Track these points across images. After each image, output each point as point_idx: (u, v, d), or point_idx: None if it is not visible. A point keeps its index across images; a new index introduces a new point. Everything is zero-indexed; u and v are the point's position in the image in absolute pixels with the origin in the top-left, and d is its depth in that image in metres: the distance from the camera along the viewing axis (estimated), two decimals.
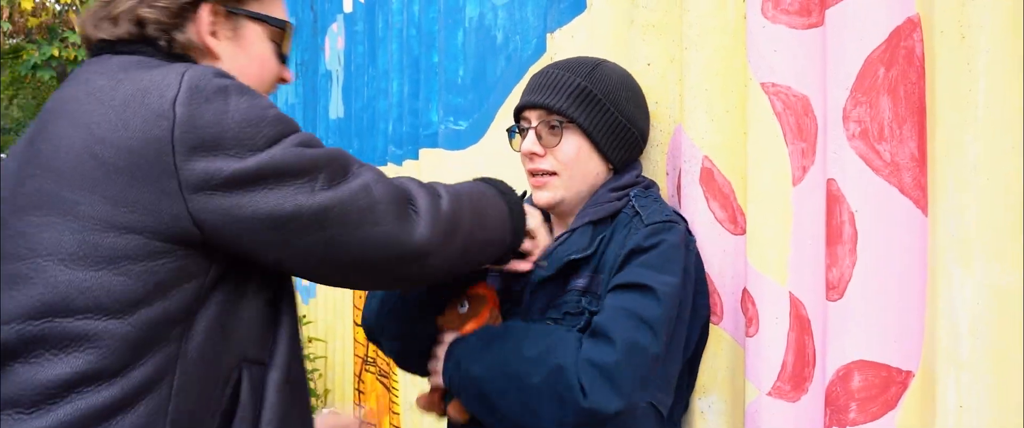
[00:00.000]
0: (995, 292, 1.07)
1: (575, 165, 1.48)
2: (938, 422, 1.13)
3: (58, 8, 6.54)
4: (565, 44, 1.93)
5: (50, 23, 6.75)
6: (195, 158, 1.02)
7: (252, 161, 1.03)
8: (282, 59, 1.29)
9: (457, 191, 1.25)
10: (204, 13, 1.17)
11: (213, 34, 1.19)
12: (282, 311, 1.18)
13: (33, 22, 6.50)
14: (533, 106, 1.48)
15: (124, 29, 1.15)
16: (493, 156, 2.42)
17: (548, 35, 2.00)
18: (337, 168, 1.10)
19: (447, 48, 2.65)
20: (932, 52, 1.13)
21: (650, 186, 1.56)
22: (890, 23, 1.19)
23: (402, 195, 1.15)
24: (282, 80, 1.30)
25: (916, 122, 1.18)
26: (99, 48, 1.17)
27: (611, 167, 1.52)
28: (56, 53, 6.50)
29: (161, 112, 1.01)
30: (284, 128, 1.09)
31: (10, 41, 7.01)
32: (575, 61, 1.54)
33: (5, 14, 6.19)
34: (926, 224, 1.17)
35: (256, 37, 1.24)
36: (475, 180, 1.40)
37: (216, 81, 1.05)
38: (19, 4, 6.21)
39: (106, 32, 1.15)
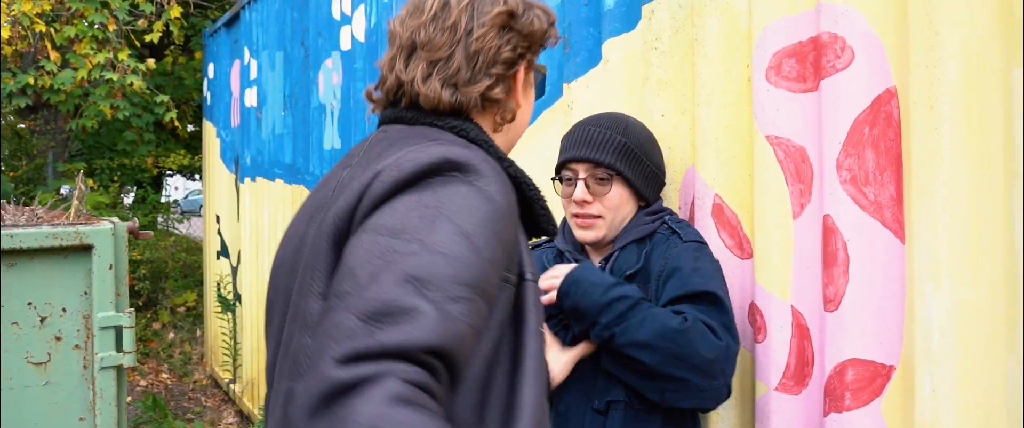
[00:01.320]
0: (959, 304, 1.40)
1: (618, 208, 1.76)
2: (916, 406, 1.44)
3: (34, 36, 6.63)
4: (581, 94, 2.23)
5: (26, 51, 6.83)
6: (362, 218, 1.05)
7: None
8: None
9: None
10: (520, 74, 1.20)
11: (524, 94, 1.23)
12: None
13: (7, 51, 6.57)
14: (582, 160, 1.75)
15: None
16: None
17: (565, 85, 2.30)
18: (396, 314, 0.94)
19: None
20: (907, 117, 1.46)
21: (671, 213, 1.86)
22: (872, 92, 1.51)
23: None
24: None
25: (894, 170, 1.50)
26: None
27: (642, 204, 1.80)
28: (31, 81, 6.58)
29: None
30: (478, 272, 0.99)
31: None
32: (607, 118, 1.81)
33: None
34: (903, 251, 1.49)
35: (531, 88, 1.27)
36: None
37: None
38: None
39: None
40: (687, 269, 1.63)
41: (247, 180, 5.83)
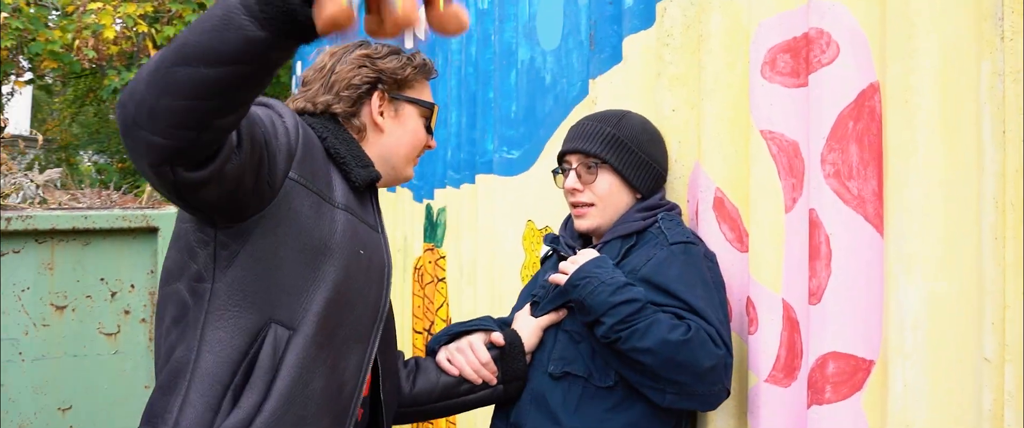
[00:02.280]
0: (931, 297, 1.40)
1: (608, 197, 1.82)
2: (889, 400, 1.45)
3: (137, 37, 7.06)
4: (604, 89, 2.28)
5: (130, 51, 7.29)
6: None
7: None
8: (429, 131, 1.68)
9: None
10: (375, 98, 1.60)
11: (380, 114, 1.61)
12: (317, 284, 1.41)
13: (113, 50, 7.03)
14: (573, 151, 1.84)
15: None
16: (542, 182, 2.78)
17: (590, 81, 2.36)
18: None
19: (501, 86, 3.02)
20: (885, 110, 1.46)
21: (673, 208, 1.89)
22: (858, 86, 1.52)
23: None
24: (428, 147, 1.69)
25: (877, 165, 1.50)
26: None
27: (638, 196, 1.86)
28: None
29: None
30: None
31: (92, 66, 7.56)
32: (605, 114, 1.92)
33: (91, 42, 6.73)
34: (883, 245, 1.50)
35: (410, 116, 1.64)
36: None
37: None
38: (102, 33, 6.76)
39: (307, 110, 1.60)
40: (671, 276, 1.68)
41: None
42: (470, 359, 1.78)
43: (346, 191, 1.51)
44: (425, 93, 1.69)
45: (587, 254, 1.74)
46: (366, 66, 1.60)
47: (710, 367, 1.60)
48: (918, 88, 1.40)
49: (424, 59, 1.68)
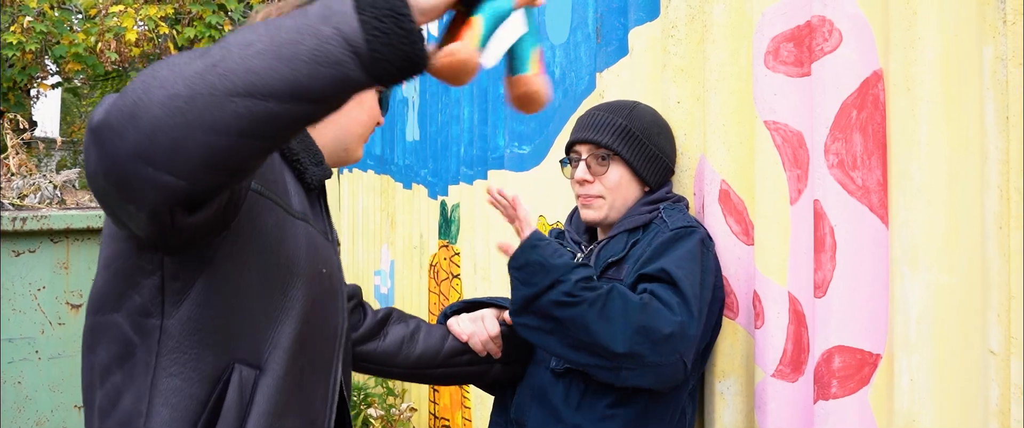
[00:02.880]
0: (936, 289, 1.36)
1: (618, 189, 1.80)
2: (895, 395, 1.42)
3: (159, 39, 7.13)
4: (611, 82, 2.26)
5: (151, 52, 7.36)
6: None
7: None
8: (383, 106, 1.52)
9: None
10: None
11: None
12: (284, 314, 1.19)
13: (136, 52, 7.11)
14: (583, 141, 1.82)
15: None
16: (553, 176, 2.76)
17: (598, 74, 2.34)
18: None
19: None
20: (888, 99, 1.43)
21: (679, 201, 1.87)
22: (861, 75, 1.49)
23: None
24: (378, 123, 1.54)
25: (881, 155, 1.47)
26: None
27: (646, 188, 1.84)
28: None
29: None
30: None
31: (115, 68, 7.65)
32: (615, 104, 1.88)
33: (113, 44, 6.81)
34: (888, 236, 1.46)
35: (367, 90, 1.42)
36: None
37: None
38: (124, 35, 6.83)
39: None
40: (660, 250, 1.65)
41: (345, 171, 6.09)
42: (480, 329, 1.77)
43: (300, 195, 1.27)
44: None
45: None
46: None
47: (667, 334, 1.52)
48: (920, 75, 1.36)
49: None
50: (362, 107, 1.41)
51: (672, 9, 1.99)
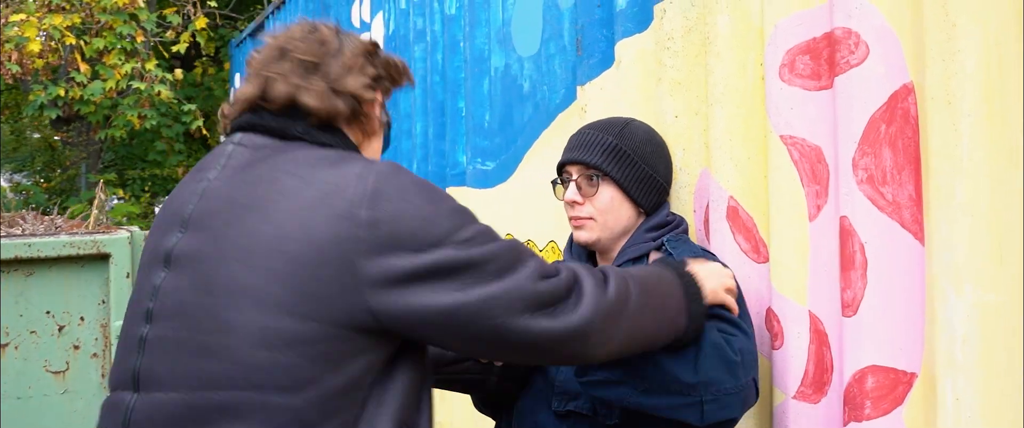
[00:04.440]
0: (982, 309, 1.33)
1: (609, 211, 1.72)
2: (939, 416, 1.38)
3: (64, 49, 6.73)
4: (595, 96, 2.19)
5: (57, 64, 6.94)
6: (375, 257, 1.12)
7: (428, 258, 1.14)
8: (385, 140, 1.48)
9: (627, 275, 1.33)
10: (379, 98, 1.37)
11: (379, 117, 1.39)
12: (426, 375, 1.29)
13: (39, 63, 6.68)
14: (573, 162, 1.74)
15: (314, 119, 1.28)
16: (521, 195, 2.67)
17: (579, 87, 2.26)
18: (508, 260, 1.19)
19: (474, 95, 2.90)
20: (924, 113, 1.40)
21: (680, 224, 1.80)
22: (889, 88, 1.45)
23: (568, 282, 1.24)
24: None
25: (913, 169, 1.44)
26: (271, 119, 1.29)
27: (641, 210, 1.76)
28: (62, 93, 6.68)
29: (344, 214, 1.14)
30: (460, 221, 1.20)
31: (16, 81, 7.18)
32: (607, 122, 1.80)
33: (14, 56, 6.38)
34: (923, 253, 1.43)
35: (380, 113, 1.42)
36: (653, 263, 1.52)
37: (395, 180, 1.17)
38: (26, 46, 6.41)
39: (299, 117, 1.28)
40: None
41: None
42: None
43: None
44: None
45: None
46: (367, 59, 1.35)
47: (736, 359, 1.48)
48: (960, 88, 1.33)
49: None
50: (379, 135, 1.42)
51: (667, 21, 1.93)
